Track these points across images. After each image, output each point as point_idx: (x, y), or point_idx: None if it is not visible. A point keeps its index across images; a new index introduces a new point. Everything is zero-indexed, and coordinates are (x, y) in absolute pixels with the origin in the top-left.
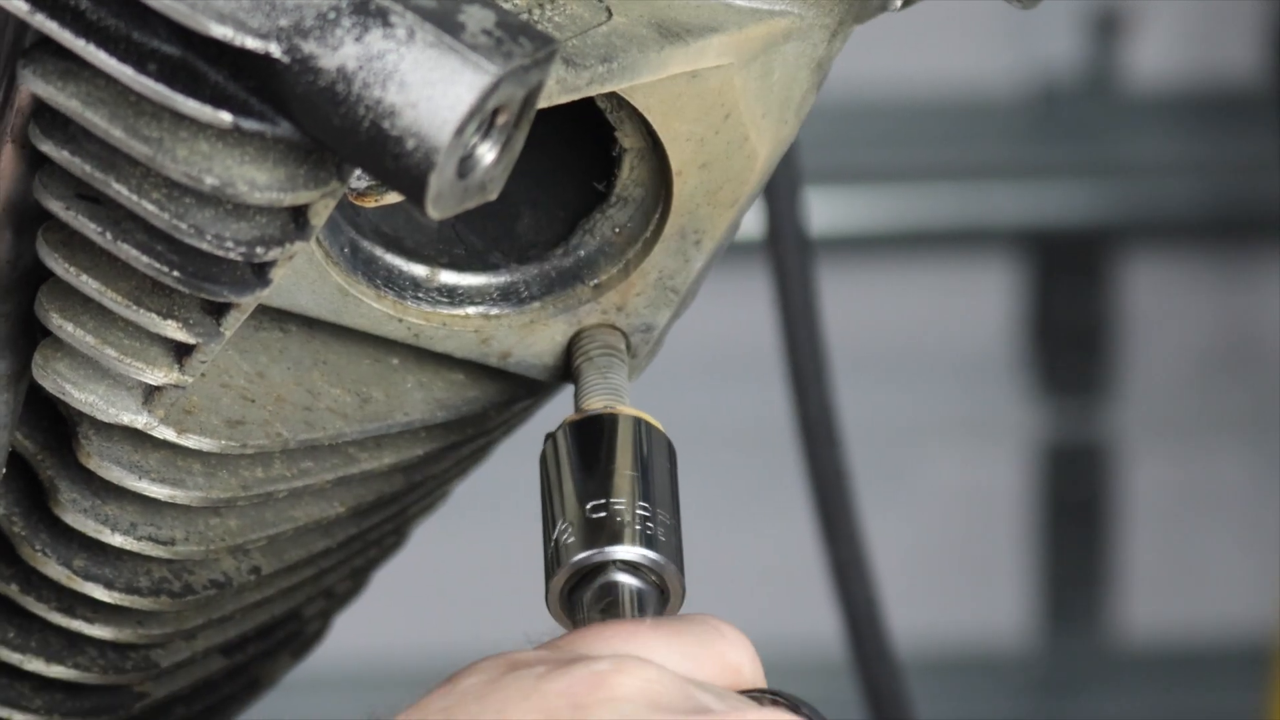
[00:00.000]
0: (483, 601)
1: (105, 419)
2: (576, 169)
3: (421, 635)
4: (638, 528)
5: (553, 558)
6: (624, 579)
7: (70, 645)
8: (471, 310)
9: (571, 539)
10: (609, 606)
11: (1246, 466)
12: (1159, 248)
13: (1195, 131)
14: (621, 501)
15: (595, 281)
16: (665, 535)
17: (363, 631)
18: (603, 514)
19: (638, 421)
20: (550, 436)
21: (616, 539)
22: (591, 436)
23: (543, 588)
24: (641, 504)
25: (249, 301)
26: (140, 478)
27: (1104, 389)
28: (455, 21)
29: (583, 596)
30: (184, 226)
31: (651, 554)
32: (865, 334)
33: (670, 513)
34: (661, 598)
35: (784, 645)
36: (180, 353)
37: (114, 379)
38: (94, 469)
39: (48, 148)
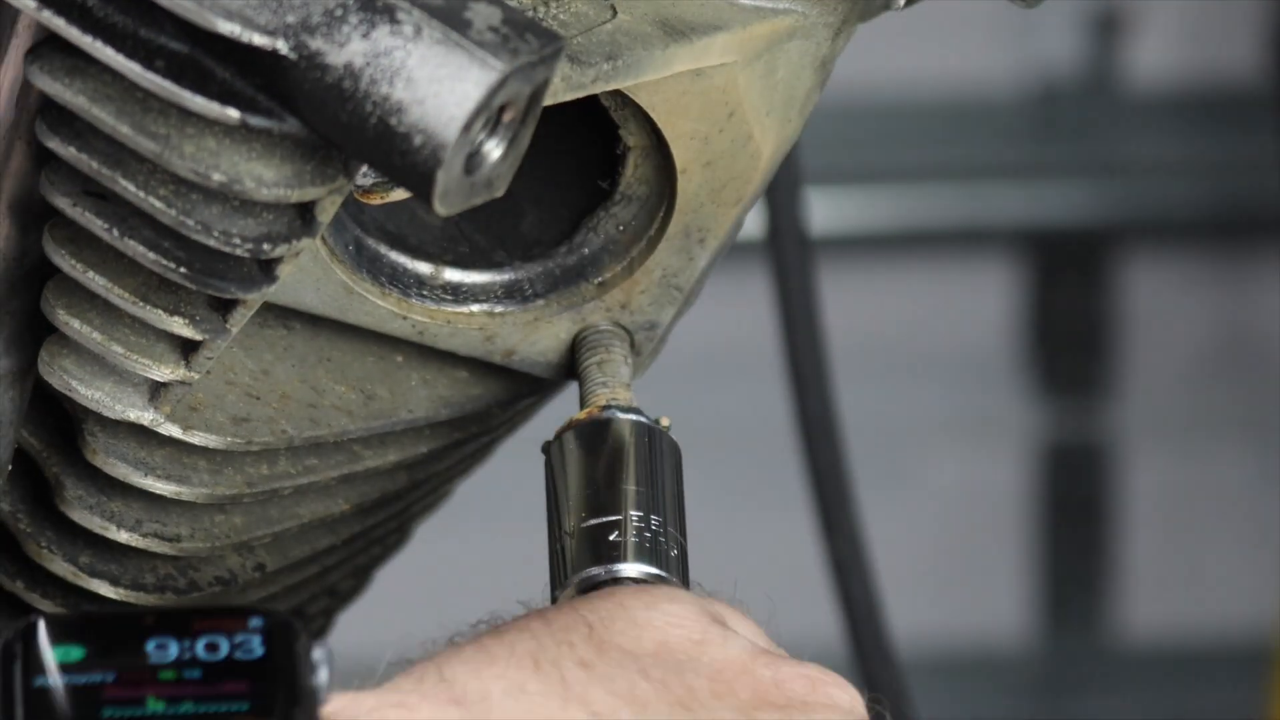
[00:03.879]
0: (484, 600)
1: (111, 415)
2: (581, 167)
3: (423, 634)
4: (644, 543)
5: (559, 570)
6: None
7: None
8: (476, 308)
9: (577, 553)
10: None
11: (1246, 466)
12: (1159, 248)
13: (1195, 131)
14: (626, 514)
15: (600, 279)
16: (670, 548)
17: (364, 630)
18: (608, 528)
19: (643, 427)
20: (556, 438)
21: (622, 555)
22: (597, 442)
23: (544, 587)
24: (647, 516)
25: (256, 298)
26: (146, 474)
27: (1104, 389)
28: (462, 18)
29: None
30: (191, 223)
31: (656, 570)
32: (865, 334)
33: (675, 523)
34: None
35: (784, 644)
36: (186, 349)
37: (120, 375)
38: (99, 465)
39: (55, 144)
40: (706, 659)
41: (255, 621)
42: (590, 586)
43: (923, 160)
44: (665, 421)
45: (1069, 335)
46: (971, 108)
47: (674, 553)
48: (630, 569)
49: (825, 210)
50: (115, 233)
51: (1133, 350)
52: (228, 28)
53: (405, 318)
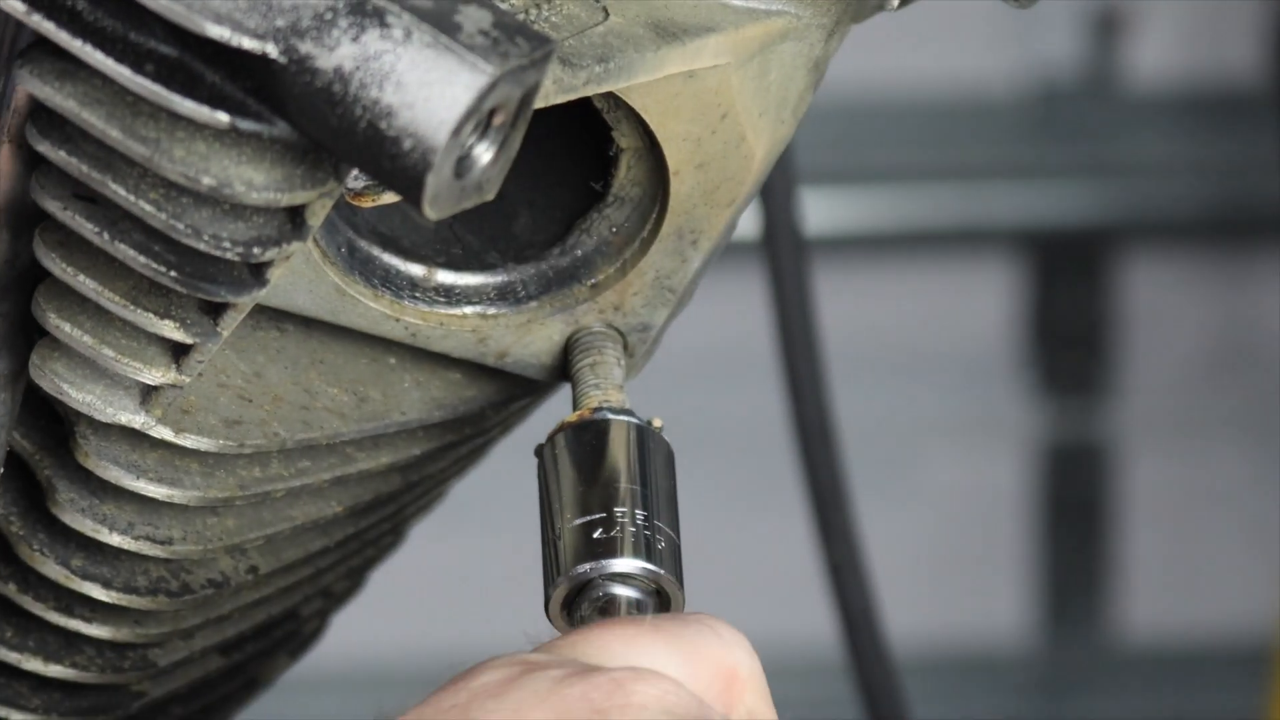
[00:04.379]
0: (480, 601)
1: (103, 419)
2: (574, 169)
3: (418, 635)
4: (636, 539)
5: (552, 568)
6: (623, 591)
7: (68, 644)
8: (469, 310)
9: (570, 550)
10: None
11: (1247, 466)
12: (1159, 248)
13: (1195, 131)
14: (619, 511)
15: (592, 281)
16: (663, 545)
17: (360, 631)
18: (601, 525)
19: (634, 427)
20: (549, 440)
21: (614, 551)
22: (589, 442)
23: (539, 587)
24: (639, 513)
25: (246, 301)
26: (138, 477)
27: (1104, 389)
28: (452, 22)
29: (582, 607)
30: (181, 226)
31: (650, 566)
32: (863, 334)
33: (669, 521)
34: (661, 608)
35: (780, 646)
36: (178, 352)
37: (111, 379)
38: (91, 468)
39: (45, 148)
40: (502, 709)
41: None
42: (582, 583)
43: (922, 160)
44: (658, 422)
45: (1069, 335)
46: (971, 108)
47: (666, 549)
48: (622, 564)
49: (821, 210)
50: (105, 236)
51: (1133, 350)
52: (217, 31)
53: (398, 320)
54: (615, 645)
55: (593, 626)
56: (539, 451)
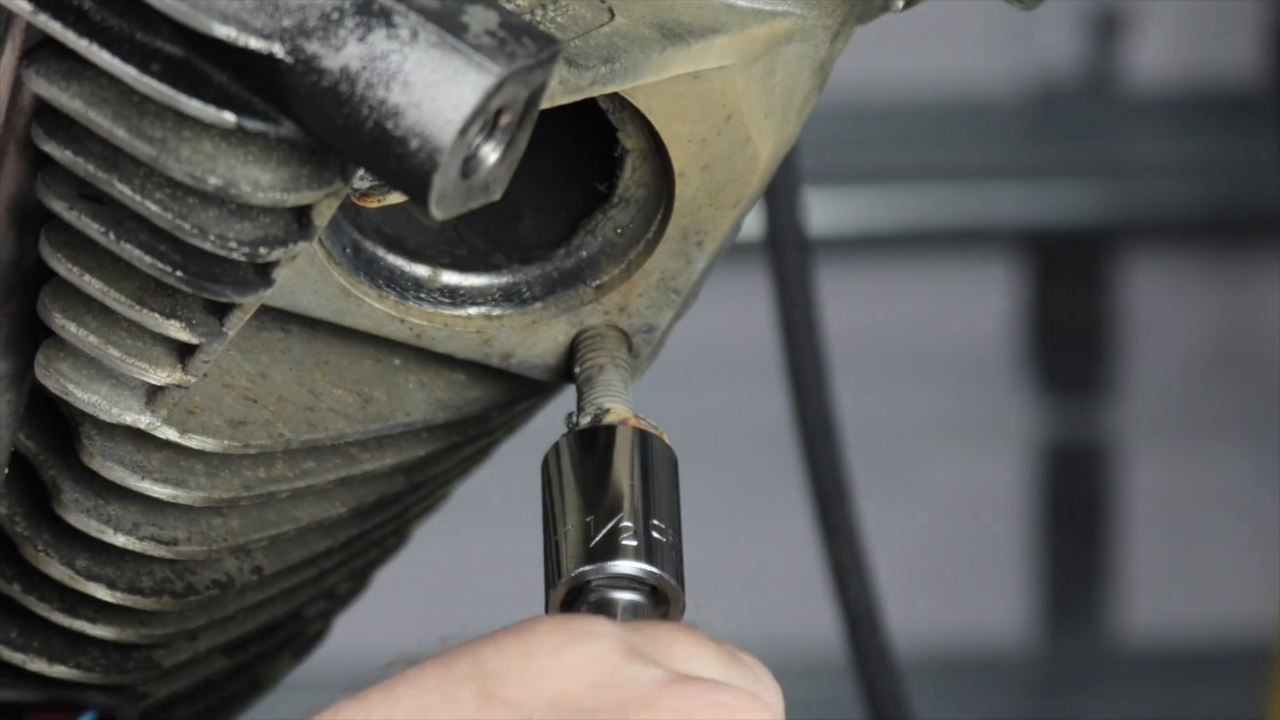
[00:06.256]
0: (483, 602)
1: (108, 419)
2: (579, 170)
3: (422, 636)
4: (637, 542)
5: (553, 570)
6: (622, 593)
7: (73, 645)
8: (473, 311)
9: (571, 551)
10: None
11: (1246, 466)
12: (1159, 248)
13: (1195, 131)
14: (622, 515)
15: (597, 282)
16: (665, 548)
17: (363, 632)
18: (603, 527)
19: (638, 431)
20: (554, 446)
21: (616, 553)
22: (593, 447)
23: (541, 589)
24: (642, 517)
25: (252, 302)
26: (143, 478)
27: (1104, 389)
28: (459, 22)
29: (582, 609)
30: (187, 227)
31: (651, 568)
32: (865, 334)
33: (671, 525)
34: (660, 612)
35: (783, 645)
36: (183, 353)
37: (117, 379)
38: (96, 469)
39: (51, 148)
40: (606, 700)
41: (87, 718)
42: (583, 585)
43: (923, 160)
44: (657, 428)
45: (1069, 335)
46: (971, 108)
47: (668, 552)
48: (622, 567)
49: (825, 211)
50: (111, 236)
51: (1133, 350)
52: (224, 31)
53: (403, 320)
54: (694, 662)
55: (674, 628)
56: (545, 462)
